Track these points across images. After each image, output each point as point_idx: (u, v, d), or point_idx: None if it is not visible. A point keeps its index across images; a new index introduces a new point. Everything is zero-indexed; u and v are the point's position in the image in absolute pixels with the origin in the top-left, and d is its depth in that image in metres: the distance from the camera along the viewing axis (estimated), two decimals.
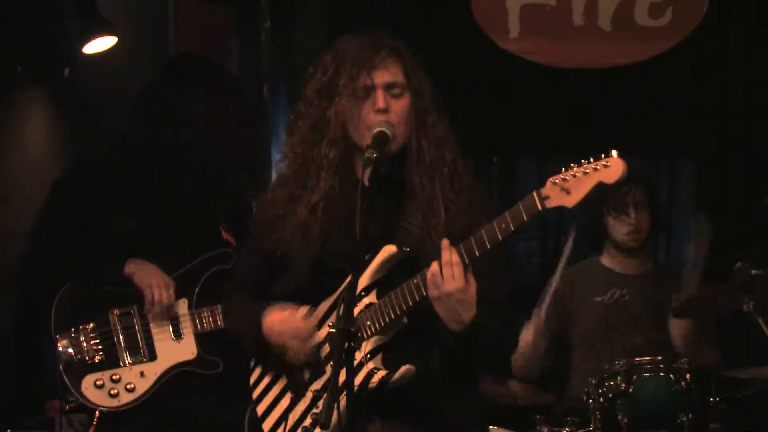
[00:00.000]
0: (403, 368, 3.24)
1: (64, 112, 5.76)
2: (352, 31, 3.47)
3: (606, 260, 5.35)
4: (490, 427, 5.08)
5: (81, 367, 4.09)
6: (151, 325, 4.17)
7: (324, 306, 3.40)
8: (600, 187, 3.09)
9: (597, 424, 4.54)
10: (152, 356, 4.15)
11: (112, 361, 4.12)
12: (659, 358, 4.59)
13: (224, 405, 4.19)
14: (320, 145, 3.38)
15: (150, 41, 6.13)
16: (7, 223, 5.35)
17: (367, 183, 3.17)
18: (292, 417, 3.39)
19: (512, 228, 3.13)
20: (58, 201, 4.25)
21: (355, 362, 3.19)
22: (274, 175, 3.69)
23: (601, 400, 4.54)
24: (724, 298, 4.66)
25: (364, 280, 3.29)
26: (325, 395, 3.11)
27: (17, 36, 5.41)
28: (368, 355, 3.29)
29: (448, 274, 3.14)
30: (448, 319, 3.19)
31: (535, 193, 3.13)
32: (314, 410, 3.34)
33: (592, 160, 3.12)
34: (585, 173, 3.09)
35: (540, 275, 6.26)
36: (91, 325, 4.12)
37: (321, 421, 2.95)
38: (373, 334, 3.29)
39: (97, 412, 4.09)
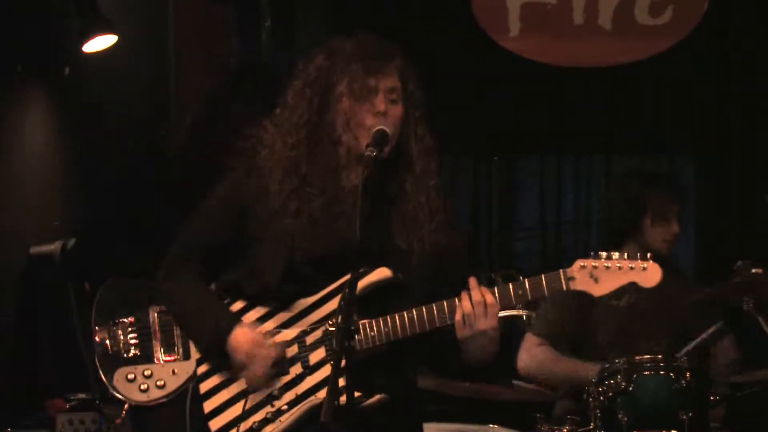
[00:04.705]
0: (377, 397, 3.24)
1: (63, 111, 5.76)
2: (352, 29, 3.46)
3: None
4: (491, 425, 5.10)
5: (115, 360, 4.11)
6: None
7: (286, 317, 3.37)
8: (631, 286, 3.18)
9: (597, 422, 4.53)
10: (186, 355, 4.17)
11: (146, 357, 4.14)
12: (659, 356, 4.58)
13: None
14: (310, 143, 3.35)
15: (150, 40, 6.13)
16: (7, 223, 5.34)
17: (365, 182, 3.14)
18: (247, 403, 3.40)
19: (529, 297, 3.22)
20: None
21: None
22: None
23: (601, 398, 4.52)
24: (724, 296, 4.65)
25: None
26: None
27: (17, 34, 5.40)
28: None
29: (480, 313, 3.18)
30: (476, 351, 3.24)
31: (561, 272, 3.20)
32: (268, 409, 3.34)
33: (627, 256, 3.19)
34: (619, 268, 3.19)
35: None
36: (131, 319, 4.15)
37: (322, 419, 2.94)
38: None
39: (126, 405, 4.10)
